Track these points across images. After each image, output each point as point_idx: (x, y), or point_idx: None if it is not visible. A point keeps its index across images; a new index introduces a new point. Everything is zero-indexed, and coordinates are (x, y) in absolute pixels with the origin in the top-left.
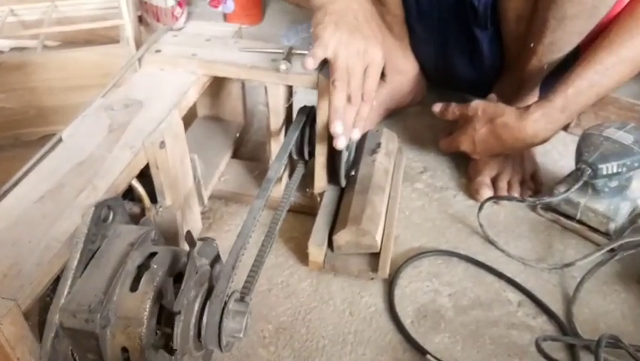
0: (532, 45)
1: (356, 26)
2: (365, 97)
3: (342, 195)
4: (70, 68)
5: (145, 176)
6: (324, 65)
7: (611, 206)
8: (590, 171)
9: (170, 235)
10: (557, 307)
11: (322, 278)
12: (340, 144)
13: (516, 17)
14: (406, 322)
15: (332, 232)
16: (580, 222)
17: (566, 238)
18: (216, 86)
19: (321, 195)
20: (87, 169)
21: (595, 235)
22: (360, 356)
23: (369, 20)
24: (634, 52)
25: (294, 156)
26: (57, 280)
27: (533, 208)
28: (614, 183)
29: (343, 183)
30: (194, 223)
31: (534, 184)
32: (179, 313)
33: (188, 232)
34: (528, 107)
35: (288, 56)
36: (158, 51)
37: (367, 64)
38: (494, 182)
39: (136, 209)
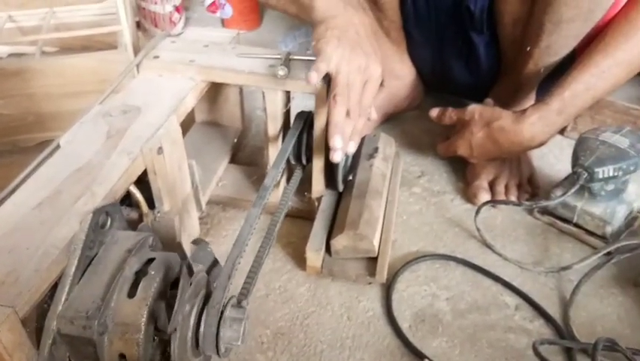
0: (528, 49)
1: (357, 42)
2: (362, 111)
3: (340, 200)
4: (68, 74)
5: (143, 182)
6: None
7: (607, 209)
8: (586, 174)
9: (168, 241)
10: (554, 311)
11: (320, 283)
12: (337, 157)
13: (512, 21)
14: (404, 326)
15: (330, 236)
16: (576, 225)
17: (562, 241)
18: (214, 91)
19: (319, 199)
20: (85, 175)
21: (591, 238)
22: (359, 360)
23: (369, 35)
24: (629, 54)
25: (292, 161)
26: (55, 287)
27: (530, 212)
28: (610, 187)
29: (341, 187)
30: (192, 229)
31: (531, 188)
32: (175, 330)
33: (179, 244)
34: (525, 110)
35: (286, 61)
36: (156, 57)
37: (366, 79)
38: (491, 186)
39: (134, 215)
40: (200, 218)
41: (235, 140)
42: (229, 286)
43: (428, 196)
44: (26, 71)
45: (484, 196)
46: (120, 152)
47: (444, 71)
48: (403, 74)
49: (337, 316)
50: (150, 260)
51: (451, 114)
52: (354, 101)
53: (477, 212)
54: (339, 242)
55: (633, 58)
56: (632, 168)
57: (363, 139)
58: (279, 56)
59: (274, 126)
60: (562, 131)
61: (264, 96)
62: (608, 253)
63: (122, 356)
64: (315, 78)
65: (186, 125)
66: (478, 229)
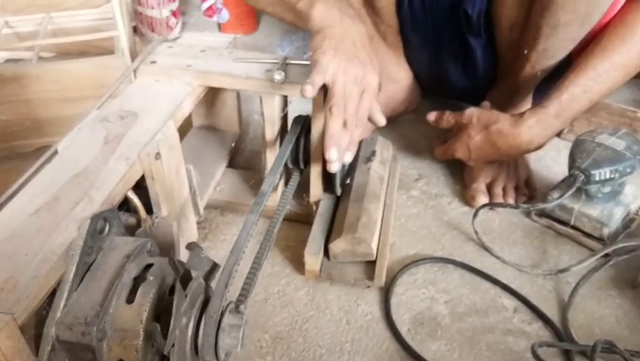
0: (525, 52)
1: (354, 52)
2: (358, 122)
3: (338, 204)
4: (65, 79)
5: (140, 187)
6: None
7: (604, 211)
8: (583, 177)
9: (166, 246)
10: (553, 313)
11: (319, 287)
12: (334, 168)
13: (509, 25)
14: (403, 330)
15: (328, 240)
16: (574, 227)
17: (560, 243)
18: (211, 95)
19: (317, 203)
20: (83, 181)
21: (589, 240)
22: None
23: (365, 46)
24: (626, 58)
25: (290, 165)
26: (53, 293)
27: (527, 214)
28: (607, 189)
29: (339, 191)
30: (190, 233)
31: (528, 190)
32: (173, 346)
33: (171, 258)
34: (522, 113)
35: (283, 65)
36: (153, 62)
37: (363, 89)
38: (489, 188)
39: (132, 220)
40: (199, 223)
41: (233, 144)
42: (226, 294)
43: (426, 199)
44: (23, 77)
45: (483, 199)
46: (118, 157)
47: (440, 75)
48: (399, 77)
49: (336, 320)
50: (148, 266)
51: (449, 117)
52: (350, 112)
53: (475, 215)
54: (338, 246)
55: (630, 61)
56: (628, 170)
57: (360, 142)
58: (276, 61)
59: (272, 130)
60: (559, 134)
61: (261, 101)
62: (606, 255)
63: None
64: (310, 92)
65: (184, 129)
66: (476, 232)
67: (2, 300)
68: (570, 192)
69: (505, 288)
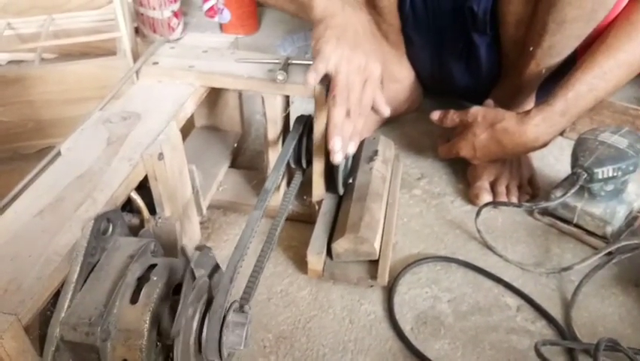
0: (531, 49)
1: (357, 41)
2: (362, 111)
3: (340, 203)
4: (68, 80)
5: (143, 188)
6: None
7: (607, 210)
8: (585, 175)
9: (169, 246)
10: (556, 312)
11: (321, 286)
12: (337, 158)
13: (515, 22)
14: (406, 329)
15: (331, 240)
16: (577, 226)
17: (563, 242)
18: (214, 96)
19: (320, 203)
20: (86, 182)
21: (592, 238)
22: None
23: (368, 35)
24: (631, 55)
25: (292, 165)
26: (57, 294)
27: (530, 213)
28: (610, 187)
29: (341, 191)
30: (193, 234)
31: (531, 189)
32: (178, 334)
33: (183, 248)
34: (528, 111)
35: (285, 65)
36: (155, 63)
37: (366, 78)
38: (492, 187)
39: (135, 221)
40: (201, 223)
41: (235, 144)
42: (231, 291)
43: (428, 198)
44: (26, 78)
45: (487, 197)
46: (121, 158)
47: (443, 74)
48: (402, 77)
49: (339, 319)
50: (152, 266)
51: (454, 116)
52: (354, 100)
53: (477, 214)
54: (341, 245)
55: (634, 59)
56: (631, 168)
57: (362, 142)
58: (277, 61)
59: (274, 130)
60: (561, 132)
61: (263, 101)
62: (609, 253)
63: None
64: (314, 79)
65: (186, 130)
66: (479, 231)
67: (7, 301)
68: (573, 191)
69: (508, 286)
